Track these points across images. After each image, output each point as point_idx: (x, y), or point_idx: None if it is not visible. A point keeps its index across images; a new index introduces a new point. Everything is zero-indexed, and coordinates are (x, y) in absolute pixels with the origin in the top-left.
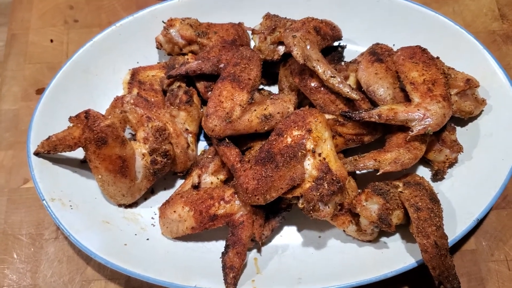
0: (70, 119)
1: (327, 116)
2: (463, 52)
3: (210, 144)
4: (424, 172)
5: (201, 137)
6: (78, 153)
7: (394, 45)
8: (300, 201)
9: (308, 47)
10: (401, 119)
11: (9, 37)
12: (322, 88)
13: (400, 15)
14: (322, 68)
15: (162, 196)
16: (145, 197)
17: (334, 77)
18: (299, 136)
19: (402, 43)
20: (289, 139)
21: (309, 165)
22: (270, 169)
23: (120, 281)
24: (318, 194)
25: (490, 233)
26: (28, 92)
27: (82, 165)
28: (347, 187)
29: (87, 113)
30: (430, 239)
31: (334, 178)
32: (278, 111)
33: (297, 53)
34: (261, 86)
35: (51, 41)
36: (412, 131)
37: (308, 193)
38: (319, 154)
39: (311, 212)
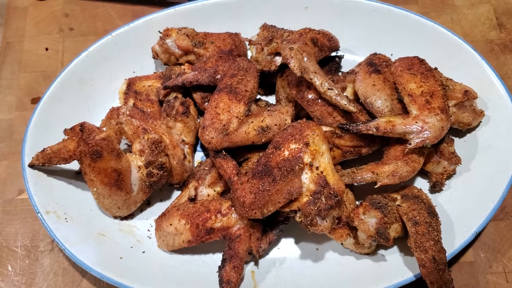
0: (65, 131)
1: (325, 128)
2: (461, 62)
3: (207, 155)
4: (422, 184)
5: (198, 148)
6: (73, 165)
7: (392, 54)
8: (298, 215)
9: (305, 59)
10: (399, 131)
11: (3, 45)
12: (319, 100)
13: (398, 24)
14: (319, 80)
15: (158, 207)
16: (141, 209)
17: (331, 89)
18: (296, 149)
19: (400, 52)
20: (286, 153)
21: (307, 178)
22: (267, 182)
23: None
24: (316, 208)
25: (488, 244)
26: (23, 101)
27: (77, 176)
28: (345, 199)
29: (82, 125)
30: (428, 253)
31: (332, 192)
32: (275, 123)
33: (294, 66)
34: (258, 96)
35: (46, 49)
36: (410, 144)
37: (306, 207)
38: (317, 168)
39: (308, 226)
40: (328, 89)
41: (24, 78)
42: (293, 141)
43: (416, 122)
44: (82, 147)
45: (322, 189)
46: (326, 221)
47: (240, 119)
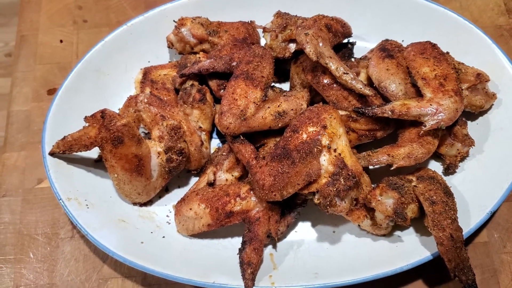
0: (86, 118)
1: (340, 112)
2: (472, 47)
3: (223, 142)
4: (435, 167)
5: (214, 135)
6: (92, 153)
7: (403, 41)
8: (316, 197)
9: (321, 44)
10: (414, 114)
11: (18, 38)
12: (334, 85)
13: (409, 11)
14: (335, 65)
15: (177, 194)
16: (159, 195)
17: (347, 73)
18: (314, 132)
19: (411, 39)
20: (304, 136)
21: (325, 160)
22: (287, 165)
23: (137, 278)
24: (335, 189)
25: (502, 225)
26: (39, 92)
27: (96, 164)
28: (361, 182)
29: (103, 112)
30: (445, 232)
31: (350, 173)
32: (291, 107)
33: (310, 51)
34: (272, 84)
35: (61, 41)
36: (425, 126)
37: (325, 189)
38: (335, 150)
39: (327, 207)
40: (344, 73)
41: (39, 70)
42: (311, 124)
43: (431, 105)
44: (103, 133)
45: (340, 171)
46: (345, 202)
47: (257, 104)
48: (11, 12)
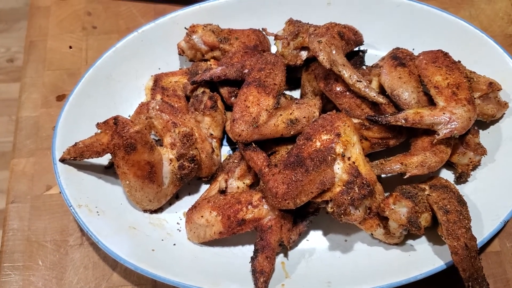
0: (98, 125)
1: (353, 120)
2: (483, 56)
3: (233, 149)
4: (447, 175)
5: (224, 142)
6: (102, 160)
7: (413, 49)
8: (330, 205)
9: (334, 52)
10: (427, 122)
11: (27, 44)
12: (347, 93)
13: (419, 19)
14: (348, 72)
15: (187, 201)
16: (170, 203)
17: (360, 81)
18: (328, 140)
19: (421, 47)
20: (318, 143)
21: (339, 169)
22: (300, 173)
23: (147, 286)
24: (349, 198)
25: None
26: (48, 99)
27: (106, 171)
28: (375, 190)
29: (116, 119)
30: (460, 241)
31: (364, 182)
32: (304, 115)
33: (323, 58)
34: (283, 91)
35: (70, 47)
36: (438, 135)
37: (339, 197)
38: (349, 158)
39: (342, 216)
40: (357, 81)
41: (48, 76)
42: (325, 132)
43: (444, 113)
44: (116, 140)
45: (354, 179)
46: (359, 211)
47: (269, 112)
48: (13, 18)
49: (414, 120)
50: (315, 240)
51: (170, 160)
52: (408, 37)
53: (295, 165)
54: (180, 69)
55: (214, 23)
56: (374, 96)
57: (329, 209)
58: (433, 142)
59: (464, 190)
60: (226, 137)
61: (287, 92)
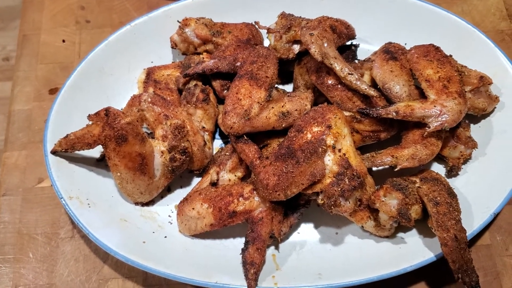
0: (89, 116)
1: (345, 113)
2: (475, 50)
3: (225, 142)
4: (438, 169)
5: (216, 135)
6: (94, 152)
7: (406, 44)
8: (320, 197)
9: (325, 45)
10: (418, 115)
11: (20, 38)
12: (339, 86)
13: (411, 14)
14: (339, 65)
15: (179, 194)
16: (161, 195)
17: (351, 74)
18: (319, 132)
19: (413, 42)
20: (309, 135)
21: (330, 160)
22: (291, 165)
23: (138, 279)
24: (339, 189)
25: (504, 228)
26: (40, 92)
27: (97, 164)
28: (365, 183)
29: (107, 110)
30: (450, 232)
31: (355, 174)
32: (295, 108)
33: (315, 51)
34: (275, 85)
35: (63, 41)
36: (429, 127)
37: (329, 189)
38: (339, 150)
39: (332, 207)
40: (349, 74)
41: (41, 70)
42: (316, 124)
43: (435, 106)
44: (107, 131)
45: (345, 171)
46: (349, 202)
47: (261, 104)
48: (10, 17)
49: (405, 113)
50: (306, 233)
51: (162, 152)
52: (401, 32)
53: (286, 157)
54: (172, 62)
55: (207, 17)
56: (365, 89)
57: (319, 201)
58: (424, 135)
59: (455, 183)
60: (219, 130)
61: (280, 86)
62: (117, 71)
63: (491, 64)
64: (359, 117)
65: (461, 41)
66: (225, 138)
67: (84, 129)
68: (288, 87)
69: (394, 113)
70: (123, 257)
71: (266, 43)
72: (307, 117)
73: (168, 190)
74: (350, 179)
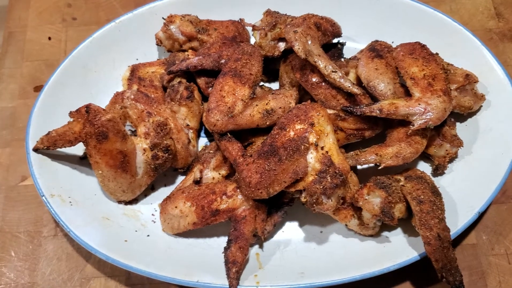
0: (71, 113)
1: (329, 111)
2: (461, 49)
3: (211, 140)
4: (424, 167)
5: (202, 134)
6: (77, 150)
7: (393, 42)
8: (303, 195)
9: (309, 42)
10: (402, 113)
11: (6, 35)
12: (323, 83)
13: (399, 12)
14: (323, 63)
15: (163, 192)
16: (145, 194)
17: (335, 71)
18: (301, 129)
19: (401, 40)
20: (291, 133)
21: (312, 158)
22: (273, 162)
23: (120, 278)
24: (321, 187)
25: (490, 227)
26: (25, 89)
27: (81, 162)
28: (349, 181)
29: (88, 107)
30: (433, 231)
31: (337, 171)
32: (279, 106)
33: (299, 48)
34: (261, 83)
35: (49, 38)
36: (413, 125)
37: (311, 186)
38: (322, 148)
39: (314, 205)
40: (332, 71)
41: (27, 67)
42: (299, 121)
43: (419, 104)
44: (88, 128)
45: (327, 168)
46: (332, 200)
47: (245, 102)
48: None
49: (389, 110)
50: (290, 231)
51: (144, 149)
52: (388, 30)
53: (268, 155)
54: (158, 59)
55: (194, 14)
56: (349, 87)
57: (302, 199)
58: (408, 133)
59: (440, 182)
60: (204, 128)
61: (266, 84)
62: (102, 68)
63: (477, 63)
64: (343, 115)
65: (448, 39)
66: (210, 136)
67: (65, 126)
68: (275, 85)
69: (377, 111)
70: (104, 255)
71: (253, 40)
72: (290, 115)
73: (151, 188)
74: (332, 177)
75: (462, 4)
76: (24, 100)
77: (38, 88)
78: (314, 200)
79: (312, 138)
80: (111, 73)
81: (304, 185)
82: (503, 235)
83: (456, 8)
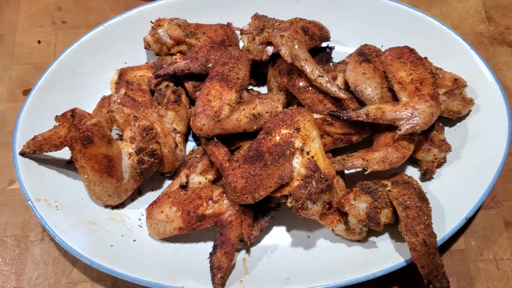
0: (56, 118)
1: (315, 116)
2: (451, 53)
3: (198, 144)
4: (412, 172)
5: (190, 137)
6: (65, 154)
7: (382, 46)
8: (289, 200)
9: (296, 46)
10: (388, 118)
11: None
12: (310, 88)
13: (389, 16)
14: (310, 67)
15: (150, 197)
16: (132, 198)
17: (322, 76)
18: (287, 134)
19: (390, 44)
20: (277, 138)
21: (298, 163)
22: (259, 167)
23: (107, 282)
24: (307, 192)
25: (479, 232)
26: (14, 93)
27: (68, 165)
28: (336, 186)
29: (73, 111)
30: (418, 237)
31: (323, 176)
32: (266, 110)
33: (285, 53)
34: (250, 87)
35: (39, 42)
36: (400, 130)
37: (297, 191)
38: (308, 153)
39: (299, 210)
40: (319, 76)
41: (16, 70)
42: (284, 126)
43: (406, 109)
44: (73, 132)
45: (312, 173)
46: (317, 205)
47: (231, 106)
48: None
49: (376, 115)
50: (277, 236)
51: (130, 154)
52: (377, 34)
53: (254, 160)
54: (146, 63)
55: (183, 17)
56: (336, 91)
57: (288, 204)
58: (395, 138)
59: (428, 187)
60: (192, 132)
61: (254, 88)
62: (90, 72)
63: (467, 67)
64: (330, 119)
65: (438, 43)
66: (198, 140)
67: (51, 131)
68: (263, 89)
69: (364, 116)
70: (89, 260)
71: (242, 44)
72: (277, 119)
73: (139, 192)
74: (317, 182)
75: (453, 7)
76: (13, 103)
77: (27, 92)
78: (300, 205)
79: (297, 143)
80: (99, 77)
81: (290, 190)
82: (492, 240)
83: (447, 12)
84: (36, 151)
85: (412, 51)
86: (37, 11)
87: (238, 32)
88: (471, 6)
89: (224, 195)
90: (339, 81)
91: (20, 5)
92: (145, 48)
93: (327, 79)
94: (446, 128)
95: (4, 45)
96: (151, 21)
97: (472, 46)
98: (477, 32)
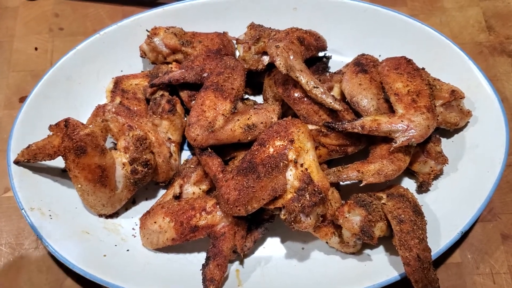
0: (50, 127)
1: (310, 127)
2: (449, 63)
3: (194, 154)
4: (409, 184)
5: (185, 147)
6: (59, 163)
7: (380, 55)
8: (282, 212)
9: (292, 57)
10: (384, 130)
11: None
12: (305, 99)
13: (387, 26)
14: (305, 78)
15: (144, 206)
16: (126, 208)
17: (317, 87)
18: (281, 146)
19: (388, 53)
20: (271, 149)
21: (291, 175)
22: (252, 179)
23: None
24: (300, 205)
25: (476, 246)
26: (11, 100)
27: (63, 174)
28: (330, 198)
29: (66, 121)
30: (412, 252)
31: (316, 189)
32: (261, 121)
33: (280, 63)
34: (246, 96)
35: (36, 49)
36: (395, 143)
37: (290, 204)
38: (301, 165)
39: (292, 223)
40: (314, 87)
41: (13, 77)
42: (278, 138)
43: (402, 121)
44: (66, 142)
45: (306, 186)
46: (310, 218)
47: (226, 116)
48: None
49: (371, 127)
50: (272, 248)
51: (123, 164)
52: (375, 43)
53: (247, 171)
54: (142, 71)
55: (179, 26)
56: (331, 103)
57: (282, 216)
58: (390, 150)
59: (425, 199)
60: (187, 142)
61: (251, 97)
62: (86, 80)
63: (465, 77)
64: (325, 131)
65: (436, 53)
66: (193, 149)
67: (45, 140)
68: (259, 98)
69: (359, 128)
70: (82, 270)
71: (238, 53)
72: (271, 131)
73: (133, 202)
74: (311, 195)
75: (453, 16)
76: (9, 111)
77: (23, 99)
78: (293, 218)
79: (291, 155)
80: (95, 85)
81: (283, 202)
82: (488, 253)
83: (446, 21)
84: (30, 160)
85: (409, 61)
86: (34, 18)
87: (234, 41)
88: (471, 15)
89: (218, 206)
90: (336, 91)
91: (18, 12)
92: (141, 56)
93: (322, 90)
94: (443, 140)
95: (2, 52)
96: (147, 30)
97: (471, 56)
98: (476, 41)
